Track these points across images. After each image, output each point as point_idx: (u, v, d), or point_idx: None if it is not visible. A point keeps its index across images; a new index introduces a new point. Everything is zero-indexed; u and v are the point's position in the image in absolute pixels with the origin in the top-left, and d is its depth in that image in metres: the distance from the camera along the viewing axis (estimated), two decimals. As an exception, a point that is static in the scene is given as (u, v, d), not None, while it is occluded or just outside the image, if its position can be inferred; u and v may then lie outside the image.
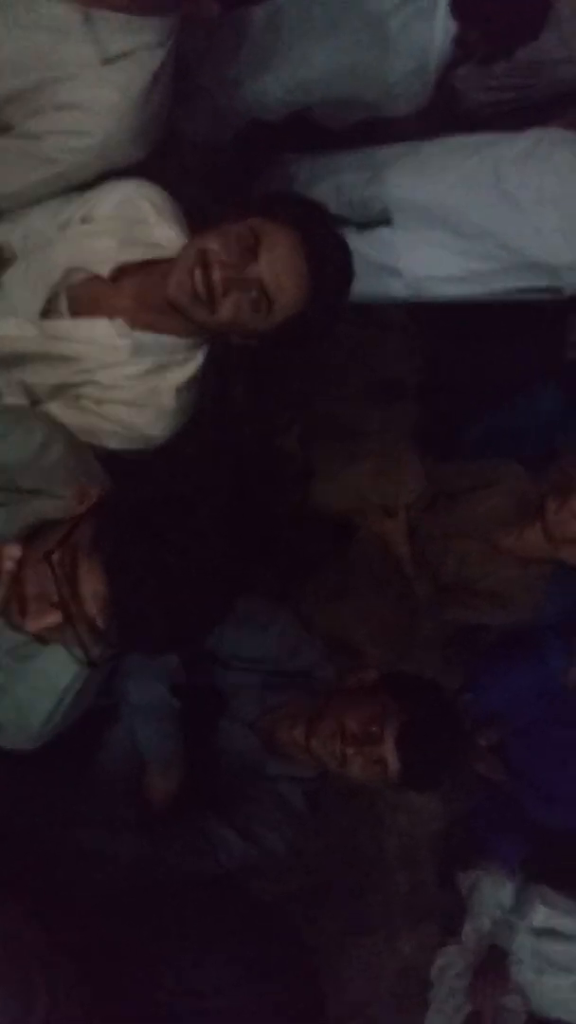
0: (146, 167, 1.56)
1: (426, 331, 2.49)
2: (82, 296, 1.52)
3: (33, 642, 1.25)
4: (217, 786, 1.76)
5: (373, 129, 2.10)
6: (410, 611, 2.21)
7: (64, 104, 1.47)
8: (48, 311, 1.52)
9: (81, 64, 1.45)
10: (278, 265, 1.36)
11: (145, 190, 1.54)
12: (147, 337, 1.49)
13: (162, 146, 1.60)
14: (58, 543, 1.11)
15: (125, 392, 1.53)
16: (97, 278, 1.49)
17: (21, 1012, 1.10)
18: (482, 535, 2.18)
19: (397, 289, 2.05)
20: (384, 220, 2.00)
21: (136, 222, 1.51)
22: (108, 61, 1.45)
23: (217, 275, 1.36)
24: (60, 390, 1.56)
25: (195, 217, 1.53)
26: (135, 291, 1.50)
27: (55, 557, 1.10)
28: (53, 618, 1.10)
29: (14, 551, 1.12)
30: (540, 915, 2.66)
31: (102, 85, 1.45)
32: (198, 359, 1.55)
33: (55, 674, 1.34)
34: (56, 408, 1.54)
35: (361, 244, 1.98)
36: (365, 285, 2.02)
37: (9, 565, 1.12)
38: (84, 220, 1.54)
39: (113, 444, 1.55)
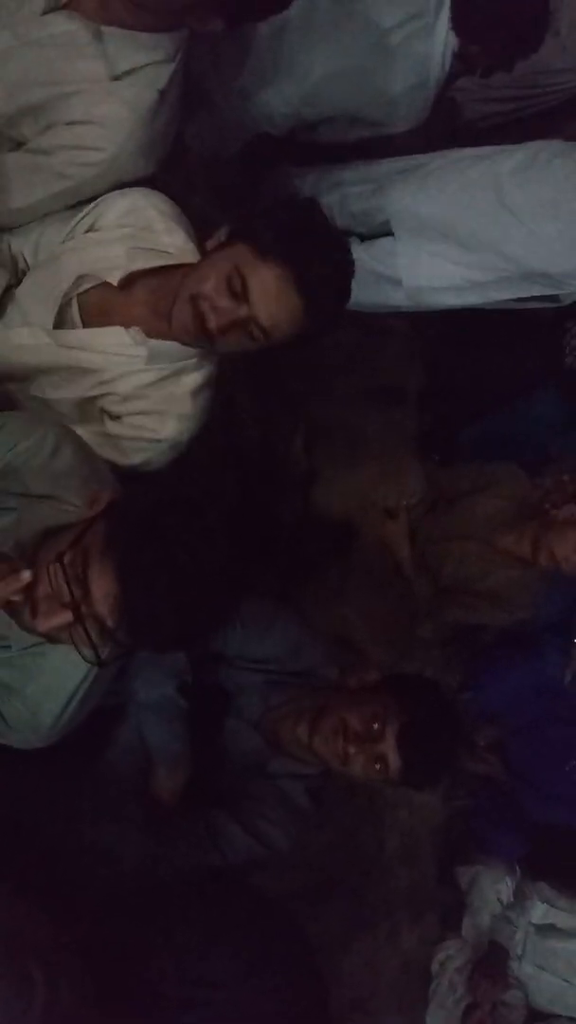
0: (153, 179, 1.59)
1: (427, 337, 2.51)
2: (93, 305, 1.54)
3: (43, 642, 1.28)
4: (222, 783, 1.79)
5: (375, 141, 2.12)
6: (410, 612, 2.23)
7: (74, 119, 1.49)
8: (60, 322, 1.54)
9: (91, 80, 1.47)
10: (270, 304, 1.37)
11: (151, 198, 1.55)
12: (163, 344, 1.51)
13: (169, 159, 1.62)
14: (69, 544, 1.15)
15: (143, 402, 1.55)
16: (107, 286, 1.50)
17: (19, 1008, 1.11)
18: (481, 537, 2.21)
19: (398, 299, 2.07)
20: (386, 231, 2.02)
21: (143, 229, 1.53)
22: (117, 77, 1.47)
23: (212, 323, 1.39)
24: (84, 410, 1.58)
25: (201, 230, 1.54)
26: (146, 299, 1.51)
27: (66, 558, 1.13)
28: (63, 618, 1.13)
29: (26, 576, 1.14)
30: (539, 911, 2.69)
31: (112, 101, 1.47)
32: (211, 362, 1.57)
33: (65, 674, 1.36)
34: (83, 433, 1.56)
35: (363, 254, 2.02)
36: (367, 294, 2.06)
37: (18, 587, 1.14)
38: (91, 229, 1.56)
39: (139, 459, 1.58)
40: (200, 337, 1.42)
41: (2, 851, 1.49)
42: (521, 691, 2.62)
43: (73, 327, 1.55)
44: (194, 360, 1.54)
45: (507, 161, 1.93)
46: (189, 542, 1.13)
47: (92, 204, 1.57)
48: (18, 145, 1.56)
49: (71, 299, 1.54)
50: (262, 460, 2.26)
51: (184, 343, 1.48)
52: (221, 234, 1.44)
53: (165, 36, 1.48)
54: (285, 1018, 1.52)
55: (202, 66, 1.83)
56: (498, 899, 2.67)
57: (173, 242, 1.52)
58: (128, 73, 1.47)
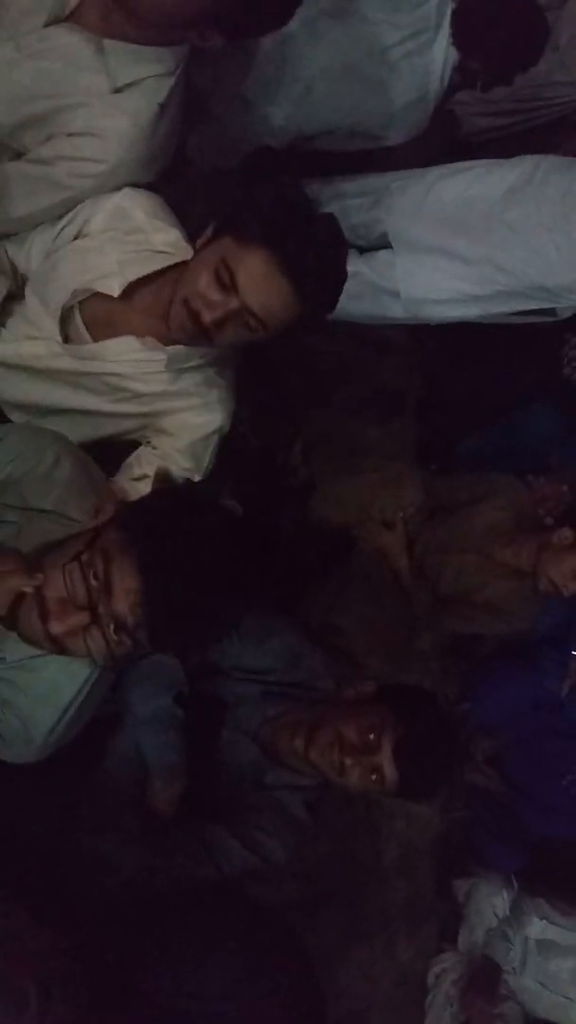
0: (153, 191, 1.59)
1: (426, 348, 2.52)
2: (97, 317, 1.55)
3: (37, 656, 1.29)
4: (219, 795, 1.78)
5: (375, 153, 2.13)
6: (408, 622, 2.23)
7: (75, 131, 1.50)
8: (65, 332, 1.55)
9: (92, 92, 1.48)
10: (259, 290, 1.37)
11: (136, 198, 1.55)
12: (180, 349, 1.51)
13: (169, 170, 1.63)
14: (86, 545, 1.16)
15: (184, 399, 1.57)
16: (105, 296, 1.51)
17: (13, 1018, 1.12)
18: (479, 548, 2.21)
19: (397, 311, 2.08)
20: (386, 243, 2.03)
21: (132, 232, 1.53)
22: (118, 90, 1.48)
23: (207, 319, 1.39)
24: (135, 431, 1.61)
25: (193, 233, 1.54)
26: (147, 306, 1.52)
27: (84, 558, 1.14)
28: (79, 619, 1.14)
29: (39, 577, 1.15)
30: (537, 927, 2.67)
31: (112, 113, 1.48)
32: (228, 356, 1.60)
33: (59, 687, 1.36)
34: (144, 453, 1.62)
35: (363, 266, 2.03)
36: (366, 306, 2.07)
37: (29, 589, 1.15)
38: (80, 235, 1.57)
39: (191, 460, 1.60)
40: (197, 335, 1.42)
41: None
42: (519, 703, 2.62)
43: (79, 338, 1.56)
44: (212, 354, 1.55)
45: (505, 176, 1.95)
46: (209, 537, 1.15)
47: (75, 209, 1.57)
48: (19, 155, 1.57)
49: (72, 310, 1.55)
50: (261, 469, 2.27)
51: (185, 344, 1.49)
52: (208, 231, 1.45)
53: (166, 50, 1.49)
54: (282, 1027, 1.52)
55: (203, 79, 1.84)
56: (494, 912, 2.66)
57: (165, 239, 1.52)
58: (129, 86, 1.48)
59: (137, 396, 1.57)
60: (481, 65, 1.96)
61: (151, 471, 1.60)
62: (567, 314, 2.04)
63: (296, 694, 1.84)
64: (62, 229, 1.57)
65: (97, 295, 1.52)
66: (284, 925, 1.68)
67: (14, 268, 1.64)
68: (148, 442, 1.64)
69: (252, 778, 1.79)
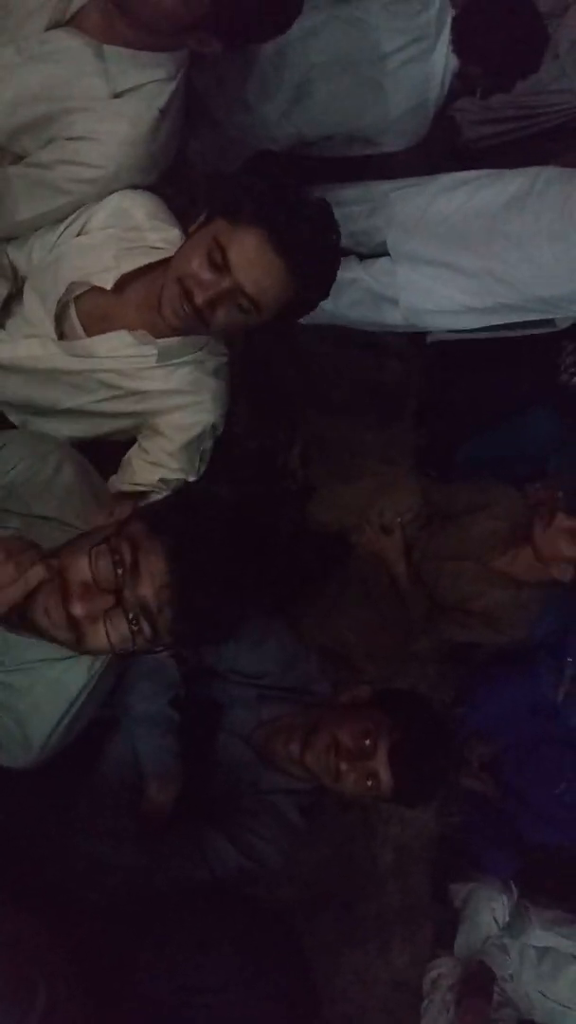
0: (154, 192, 1.59)
1: (425, 353, 2.52)
2: (91, 311, 1.55)
3: (36, 661, 1.29)
4: (214, 798, 1.78)
5: (376, 159, 2.13)
6: (405, 628, 2.23)
7: (75, 135, 1.51)
8: (61, 329, 1.55)
9: (92, 97, 1.49)
10: (251, 269, 1.36)
11: (137, 198, 1.56)
12: (170, 342, 1.52)
13: (171, 173, 1.63)
14: (116, 530, 1.17)
15: (176, 397, 1.57)
16: (101, 291, 1.51)
17: (20, 1014, 1.12)
18: (476, 556, 2.21)
19: (396, 318, 2.08)
20: (385, 251, 2.03)
21: (130, 230, 1.54)
22: (118, 95, 1.49)
23: (200, 299, 1.38)
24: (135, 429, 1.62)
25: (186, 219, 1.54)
26: (141, 298, 1.52)
27: (112, 543, 1.15)
28: (103, 601, 1.14)
29: (53, 563, 1.15)
30: (536, 934, 2.66)
31: (112, 118, 1.49)
32: (221, 352, 1.59)
33: (57, 692, 1.36)
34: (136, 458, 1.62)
35: (363, 273, 2.03)
36: (365, 313, 2.07)
37: (41, 576, 1.15)
38: (81, 233, 1.57)
39: (184, 462, 1.61)
40: (190, 317, 1.41)
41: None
42: (515, 709, 2.61)
43: (74, 333, 1.56)
44: (205, 350, 1.56)
45: (506, 187, 1.95)
46: (228, 525, 1.18)
47: (79, 210, 1.58)
48: (19, 159, 1.58)
49: (68, 305, 1.55)
50: (259, 472, 2.27)
51: (177, 330, 1.47)
52: (201, 217, 1.44)
53: (166, 55, 1.50)
54: (277, 1027, 1.52)
55: (205, 81, 1.85)
56: (493, 918, 2.65)
57: (162, 237, 1.52)
58: (129, 91, 1.49)
59: (131, 394, 1.57)
60: (481, 71, 1.97)
61: (144, 481, 1.62)
62: (565, 324, 2.05)
63: (292, 698, 1.85)
64: (64, 230, 1.58)
65: (93, 291, 1.53)
66: (281, 924, 1.69)
67: (14, 270, 1.65)
68: (140, 445, 1.65)
69: (247, 781, 1.79)
